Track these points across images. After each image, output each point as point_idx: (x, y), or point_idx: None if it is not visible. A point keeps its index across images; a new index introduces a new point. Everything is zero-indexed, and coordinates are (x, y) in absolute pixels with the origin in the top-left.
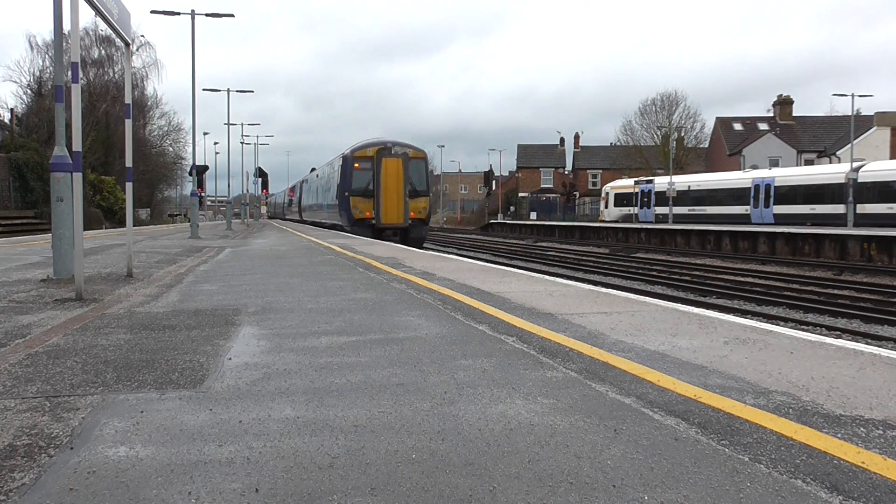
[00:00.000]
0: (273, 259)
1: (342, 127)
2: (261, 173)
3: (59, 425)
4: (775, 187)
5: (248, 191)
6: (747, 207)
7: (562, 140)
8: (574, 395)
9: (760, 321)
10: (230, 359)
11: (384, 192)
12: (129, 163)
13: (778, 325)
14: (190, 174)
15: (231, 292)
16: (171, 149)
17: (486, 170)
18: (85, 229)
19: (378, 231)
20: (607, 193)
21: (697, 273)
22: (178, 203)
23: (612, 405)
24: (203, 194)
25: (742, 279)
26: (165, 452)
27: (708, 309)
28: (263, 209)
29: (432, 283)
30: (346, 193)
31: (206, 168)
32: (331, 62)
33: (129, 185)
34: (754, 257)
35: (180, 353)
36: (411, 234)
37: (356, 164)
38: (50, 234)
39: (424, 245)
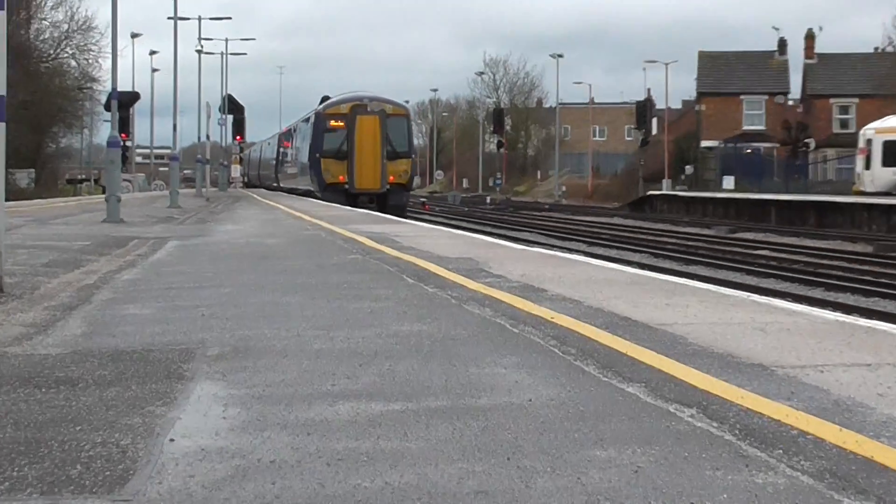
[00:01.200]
0: (253, 260)
1: (382, 23)
2: (232, 106)
3: None
4: None
5: (208, 138)
6: None
7: (782, 43)
8: None
9: None
10: (173, 440)
11: (359, 154)
12: None
13: None
14: (107, 108)
15: (178, 320)
16: (73, 63)
17: (640, 100)
18: None
19: (352, 197)
20: (869, 141)
21: None
22: (84, 159)
23: None
24: (129, 143)
25: None
26: None
27: None
28: (236, 169)
29: (541, 305)
30: (318, 155)
31: (135, 97)
32: None
33: None
34: None
35: (86, 430)
36: (390, 200)
37: (329, 122)
38: None
39: (406, 213)
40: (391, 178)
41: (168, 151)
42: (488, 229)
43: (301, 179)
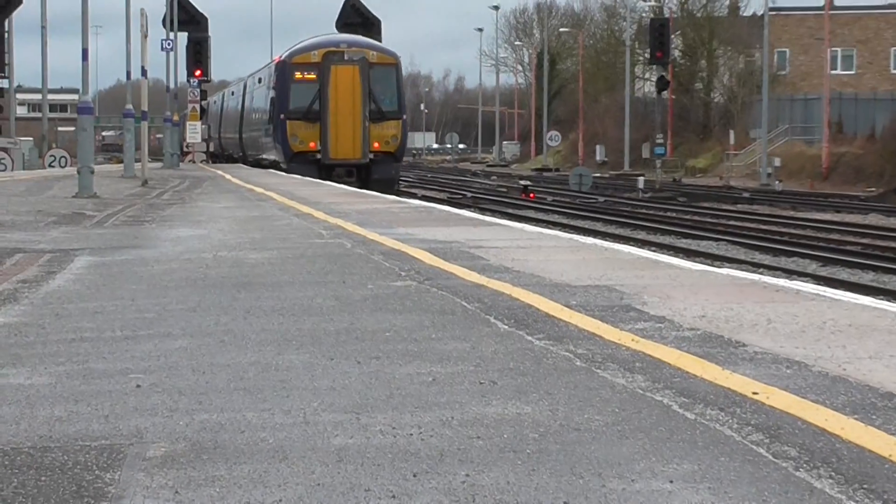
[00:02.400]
0: (227, 290)
1: None
2: (186, 17)
3: None
4: None
5: (144, 74)
6: None
7: None
8: None
9: None
10: None
11: (334, 114)
12: None
13: None
14: None
15: (94, 395)
16: None
17: None
18: None
19: (326, 169)
20: None
21: None
22: None
23: None
24: (2, 82)
25: None
26: None
27: None
28: (196, 130)
29: (736, 370)
30: (282, 116)
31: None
32: None
33: None
34: None
35: None
36: (374, 173)
37: (296, 74)
38: None
39: (397, 189)
40: (376, 144)
41: (74, 98)
42: (641, 236)
43: (266, 148)
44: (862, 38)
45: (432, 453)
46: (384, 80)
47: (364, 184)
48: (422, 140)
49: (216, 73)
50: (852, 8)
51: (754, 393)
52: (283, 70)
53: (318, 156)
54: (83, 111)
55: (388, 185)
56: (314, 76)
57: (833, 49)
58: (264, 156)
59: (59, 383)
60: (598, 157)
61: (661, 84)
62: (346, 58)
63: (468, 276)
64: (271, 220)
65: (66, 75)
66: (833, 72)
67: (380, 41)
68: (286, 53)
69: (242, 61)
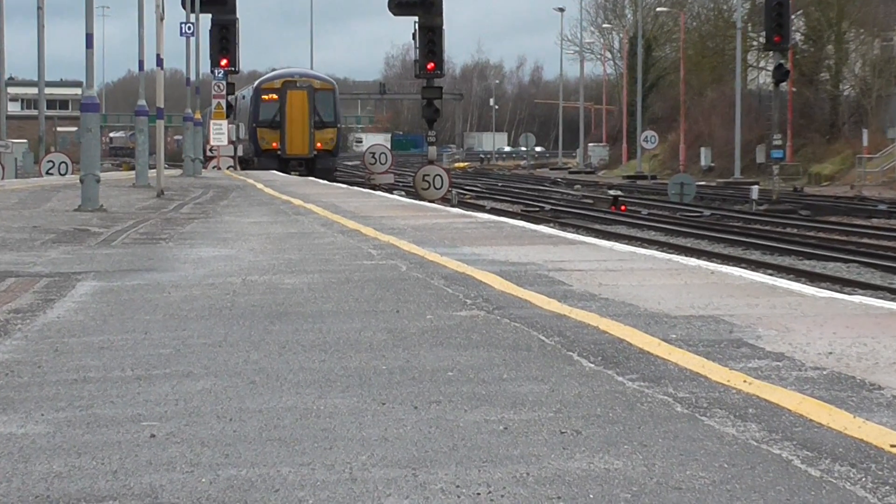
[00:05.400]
0: (258, 320)
1: None
2: None
3: None
4: None
5: (160, 65)
6: None
7: None
8: None
9: None
10: None
11: (290, 124)
12: None
13: None
14: None
15: (99, 447)
16: None
17: None
18: None
19: (284, 162)
20: None
21: None
22: None
23: None
24: None
25: None
26: None
27: None
28: (222, 131)
29: (872, 418)
30: (255, 125)
31: None
32: None
33: None
34: None
35: None
36: (318, 164)
37: (264, 96)
38: None
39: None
40: (319, 145)
41: (77, 93)
42: (755, 256)
43: (245, 147)
44: None
45: None
46: (325, 101)
47: (310, 172)
48: (490, 142)
49: (246, 63)
50: None
51: (892, 445)
52: (256, 93)
53: (279, 152)
54: (87, 108)
55: (327, 173)
56: (276, 97)
57: None
58: (242, 153)
59: (58, 432)
60: (702, 163)
61: (780, 74)
62: (297, 85)
63: (546, 305)
64: (312, 238)
65: (68, 65)
66: None
67: (440, 24)
68: (257, 82)
69: (279, 49)
